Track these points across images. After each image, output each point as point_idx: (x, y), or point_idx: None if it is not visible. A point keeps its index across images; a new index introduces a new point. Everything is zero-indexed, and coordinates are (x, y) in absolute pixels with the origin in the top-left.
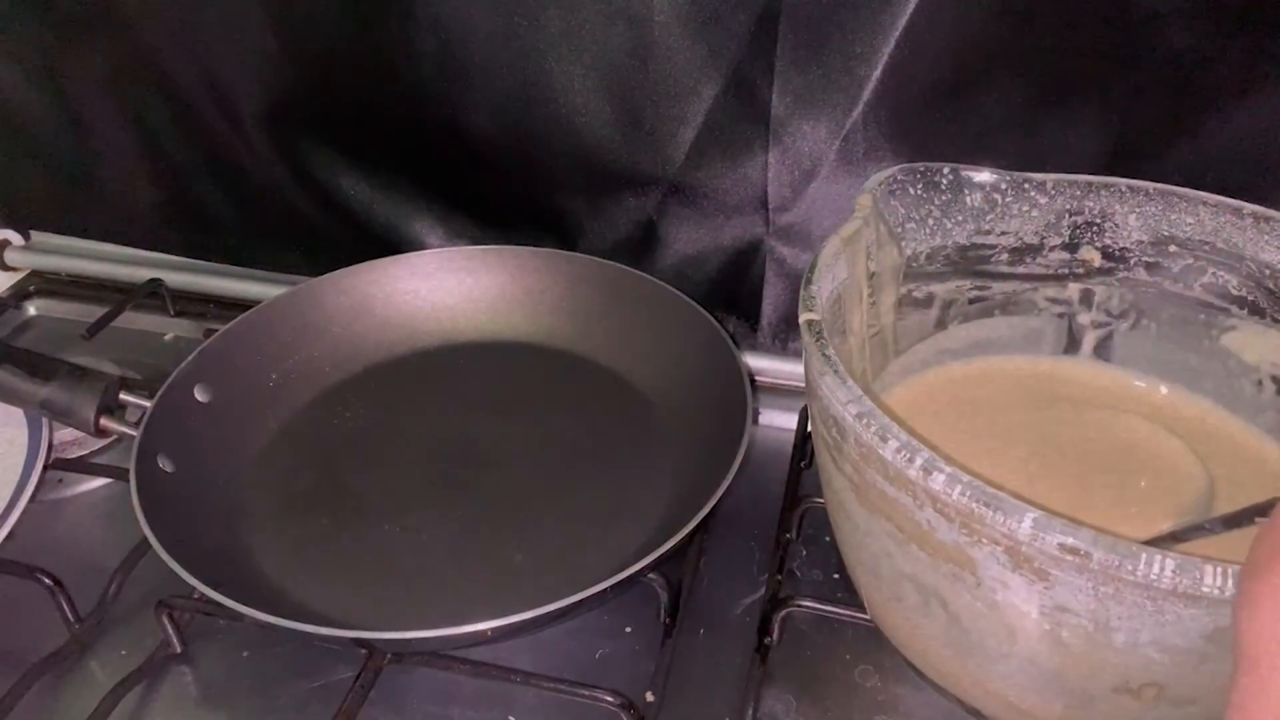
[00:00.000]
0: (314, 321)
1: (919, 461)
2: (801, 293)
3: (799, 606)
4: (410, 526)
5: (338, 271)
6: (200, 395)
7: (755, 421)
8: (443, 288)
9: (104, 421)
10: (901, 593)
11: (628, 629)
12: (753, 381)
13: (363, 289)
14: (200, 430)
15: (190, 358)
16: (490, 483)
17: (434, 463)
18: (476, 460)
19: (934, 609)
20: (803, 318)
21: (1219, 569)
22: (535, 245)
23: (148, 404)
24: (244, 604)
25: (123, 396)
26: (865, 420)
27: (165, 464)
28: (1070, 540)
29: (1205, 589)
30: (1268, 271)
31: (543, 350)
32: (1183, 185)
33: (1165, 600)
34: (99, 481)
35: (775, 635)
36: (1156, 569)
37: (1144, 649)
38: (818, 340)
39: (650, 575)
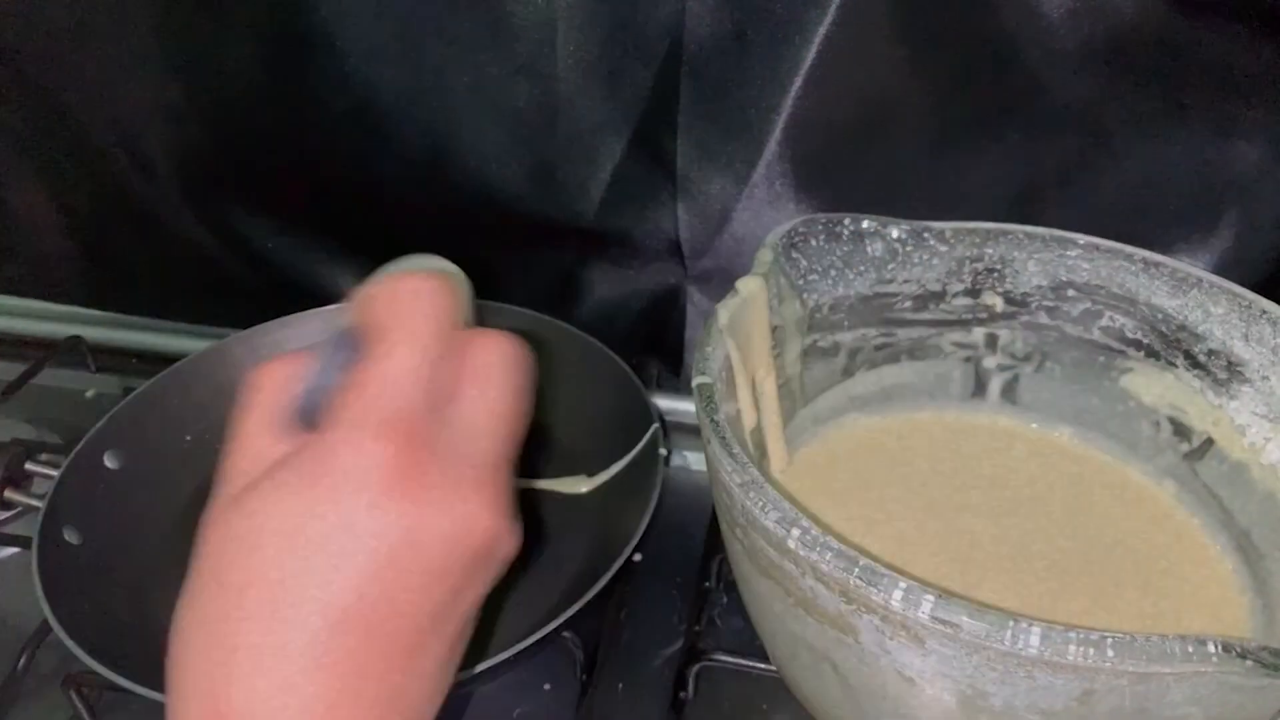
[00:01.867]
0: (228, 380)
1: (796, 534)
2: (695, 355)
3: (714, 660)
4: None
5: (250, 329)
6: (110, 462)
7: (667, 464)
8: None
9: (7, 493)
10: (797, 653)
11: (546, 686)
12: (663, 424)
13: (276, 345)
14: (110, 499)
15: (99, 424)
16: None
17: None
18: None
19: (825, 670)
20: (695, 381)
21: (1081, 638)
22: None
23: (54, 473)
24: (147, 685)
25: (28, 466)
26: (748, 489)
27: (72, 536)
28: (940, 612)
29: (1070, 658)
30: (1160, 315)
31: None
32: (1087, 230)
33: (1034, 667)
34: (8, 550)
35: (690, 689)
36: (1022, 640)
37: (1020, 711)
38: (707, 406)
39: (565, 633)
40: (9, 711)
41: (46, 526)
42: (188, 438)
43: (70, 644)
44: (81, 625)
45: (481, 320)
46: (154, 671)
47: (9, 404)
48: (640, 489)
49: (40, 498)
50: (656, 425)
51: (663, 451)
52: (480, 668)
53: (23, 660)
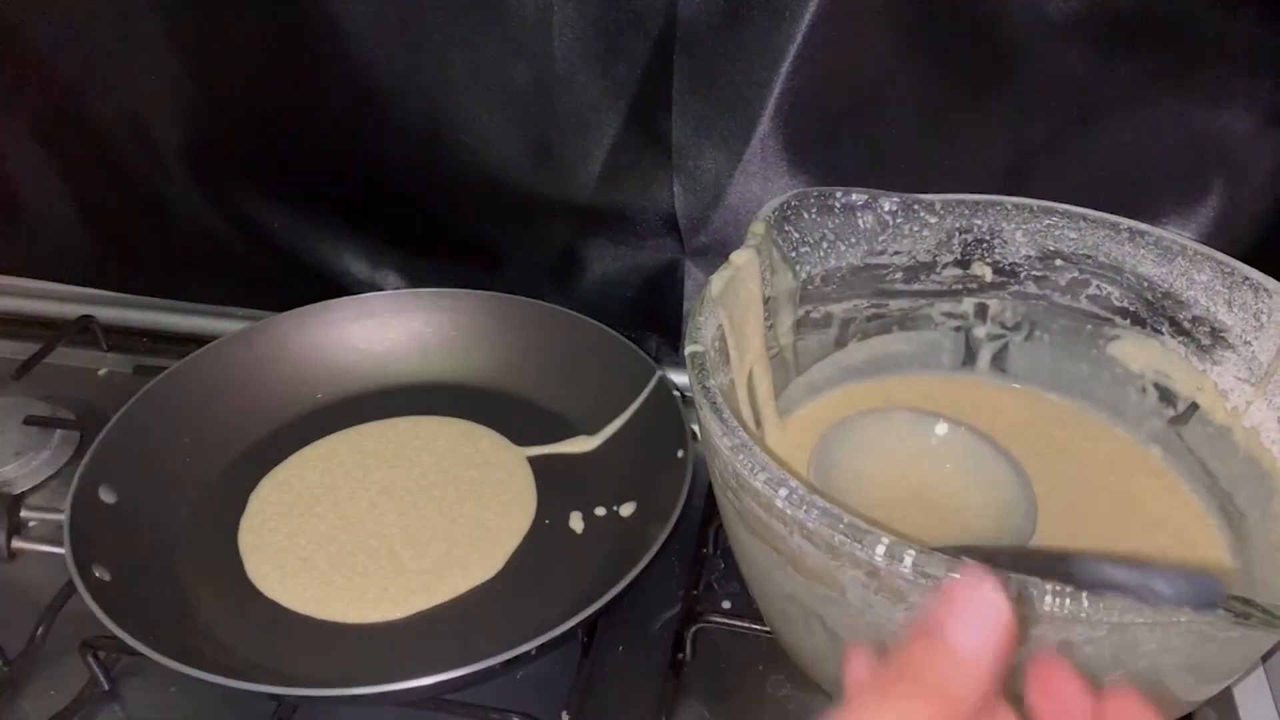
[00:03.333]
0: (235, 377)
1: (783, 493)
2: (688, 324)
3: (710, 622)
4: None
5: (245, 328)
6: (106, 496)
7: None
8: (359, 336)
9: (15, 544)
10: (787, 610)
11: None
12: (673, 388)
13: (276, 342)
14: (140, 467)
15: (89, 455)
16: (424, 534)
17: (374, 512)
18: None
19: (815, 626)
20: (687, 349)
21: (1056, 590)
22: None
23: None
24: (163, 653)
25: (24, 514)
26: (737, 452)
27: (107, 495)
28: (921, 566)
29: (1046, 609)
30: (1146, 284)
31: (475, 390)
32: (1076, 201)
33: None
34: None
35: (688, 651)
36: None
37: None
38: (699, 373)
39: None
40: (28, 679)
41: (81, 487)
42: (187, 439)
43: (92, 605)
44: (104, 588)
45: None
46: (171, 638)
47: (23, 382)
48: (667, 473)
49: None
50: (659, 374)
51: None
52: (488, 663)
53: (40, 628)
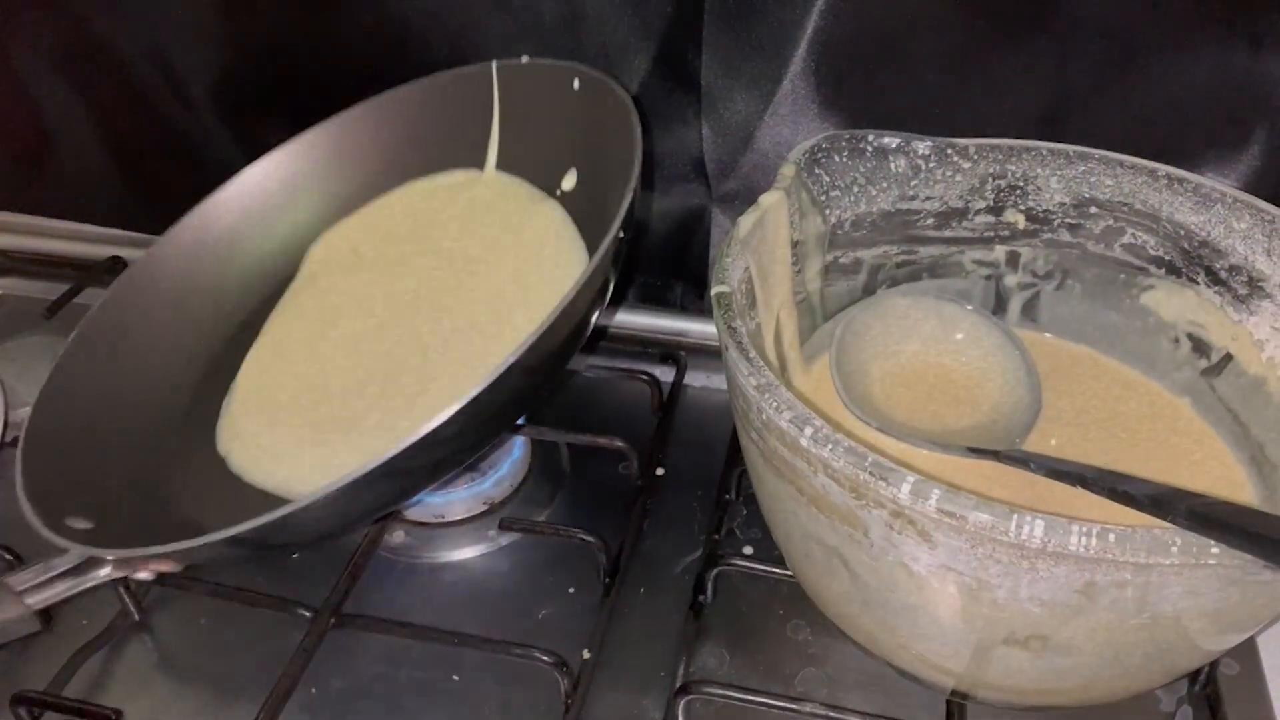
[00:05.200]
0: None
1: (808, 431)
2: (715, 265)
3: (731, 565)
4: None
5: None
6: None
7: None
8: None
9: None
10: (810, 551)
11: (570, 589)
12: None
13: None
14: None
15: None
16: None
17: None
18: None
19: (837, 567)
20: (713, 290)
21: (1084, 529)
22: None
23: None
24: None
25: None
26: (763, 392)
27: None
28: (946, 504)
29: (1072, 548)
30: (1182, 232)
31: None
32: (1113, 147)
33: (1037, 558)
34: None
35: (709, 593)
36: (1027, 530)
37: (1023, 603)
38: (725, 313)
39: (589, 538)
40: (59, 609)
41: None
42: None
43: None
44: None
45: None
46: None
47: (53, 322)
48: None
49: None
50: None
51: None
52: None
53: None
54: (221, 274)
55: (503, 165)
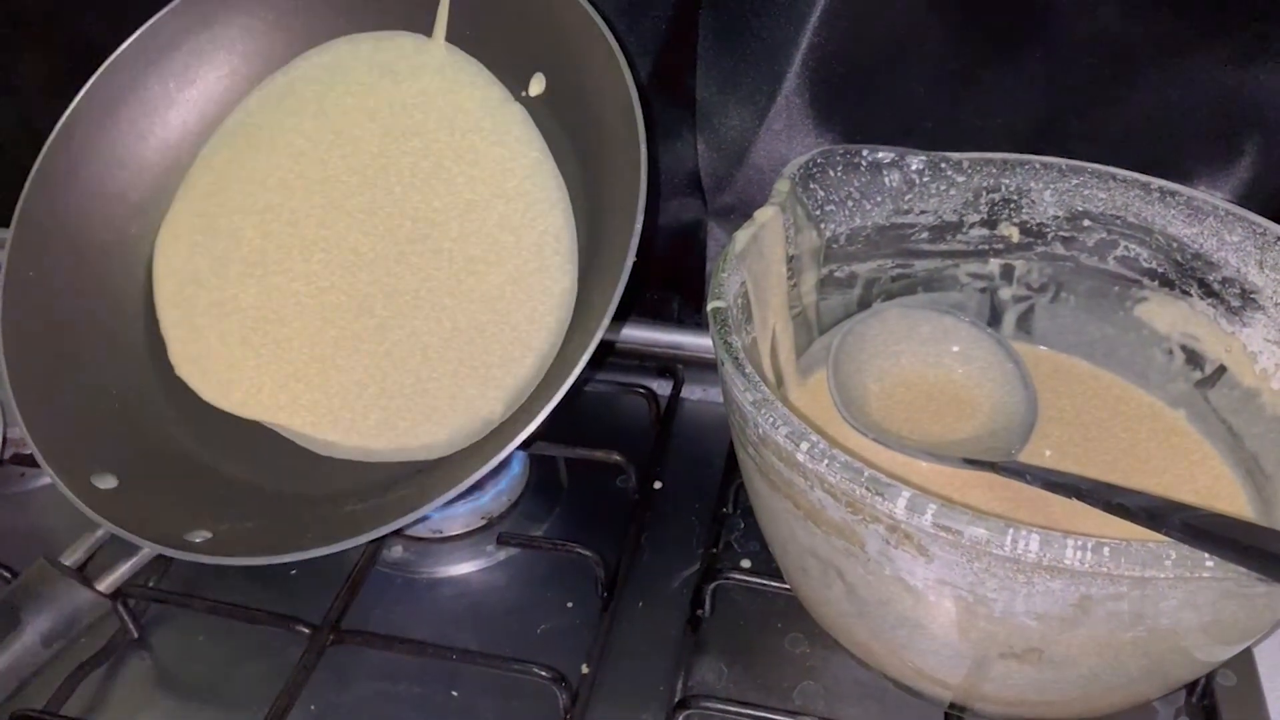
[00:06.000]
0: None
1: (805, 447)
2: (711, 280)
3: (729, 579)
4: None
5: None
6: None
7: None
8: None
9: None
10: (806, 566)
11: (569, 604)
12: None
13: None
14: None
15: None
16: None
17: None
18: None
19: (834, 580)
20: (710, 305)
21: (1079, 544)
22: None
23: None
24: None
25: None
26: (759, 407)
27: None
28: (942, 519)
29: (1068, 562)
30: (1175, 244)
31: None
32: (1106, 160)
33: (1033, 572)
34: None
35: (707, 607)
36: (1022, 545)
37: (1020, 617)
38: (721, 329)
39: (587, 553)
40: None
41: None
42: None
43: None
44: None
45: None
46: None
47: None
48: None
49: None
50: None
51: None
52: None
53: None
54: (129, 155)
55: (455, 39)
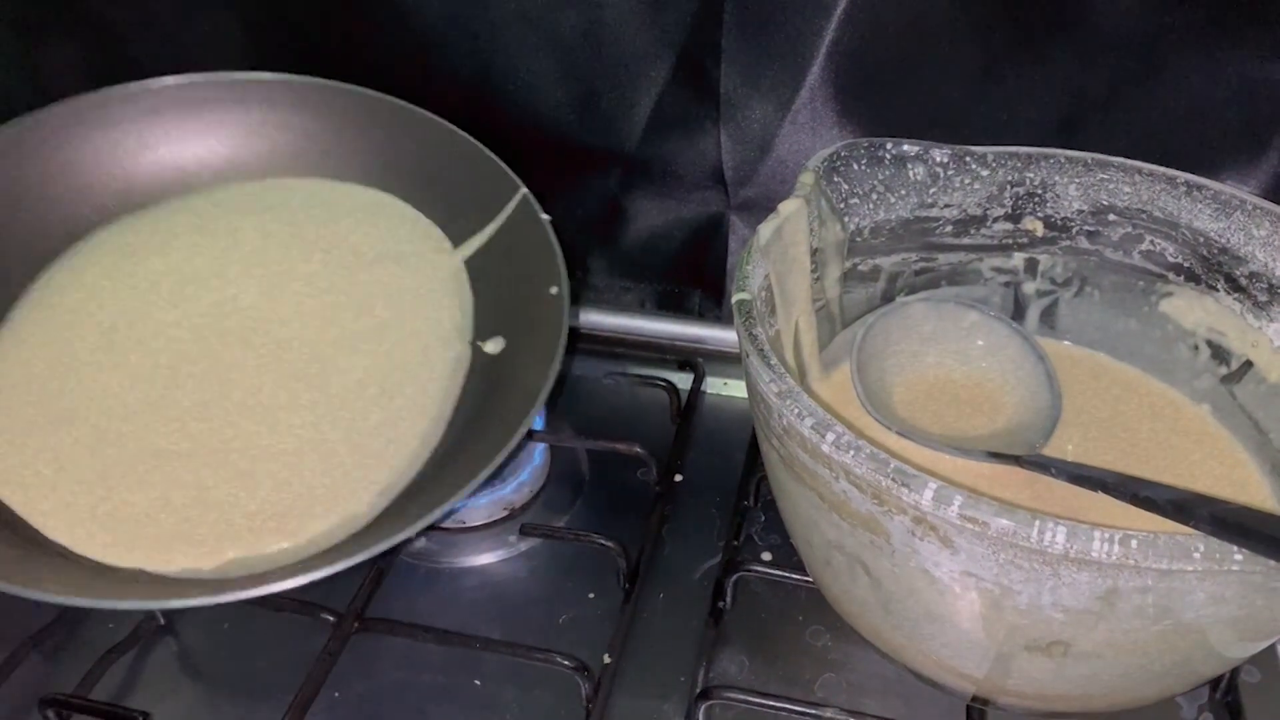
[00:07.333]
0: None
1: (830, 437)
2: (735, 272)
3: (751, 571)
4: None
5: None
6: None
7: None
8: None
9: None
10: (830, 558)
11: (591, 594)
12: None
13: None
14: None
15: None
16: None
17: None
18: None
19: (858, 573)
20: (735, 297)
21: (1106, 535)
22: None
23: None
24: None
25: None
26: (784, 398)
27: None
28: (968, 510)
29: (1094, 554)
30: (1201, 239)
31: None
32: (1132, 154)
33: (1059, 565)
34: None
35: (729, 599)
36: (1049, 536)
37: (1045, 610)
38: (745, 320)
39: (609, 544)
40: (88, 613)
41: None
42: None
43: None
44: None
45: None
46: None
47: None
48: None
49: None
50: (523, 191)
51: (545, 217)
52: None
53: None
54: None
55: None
